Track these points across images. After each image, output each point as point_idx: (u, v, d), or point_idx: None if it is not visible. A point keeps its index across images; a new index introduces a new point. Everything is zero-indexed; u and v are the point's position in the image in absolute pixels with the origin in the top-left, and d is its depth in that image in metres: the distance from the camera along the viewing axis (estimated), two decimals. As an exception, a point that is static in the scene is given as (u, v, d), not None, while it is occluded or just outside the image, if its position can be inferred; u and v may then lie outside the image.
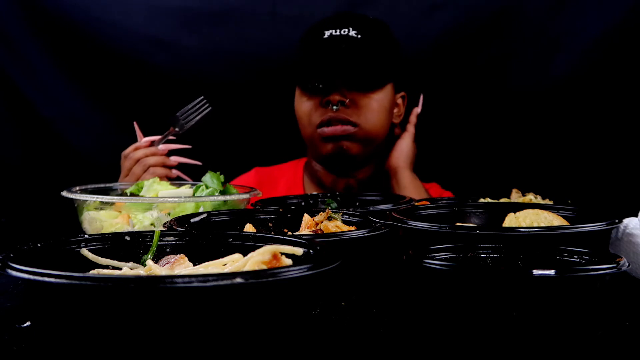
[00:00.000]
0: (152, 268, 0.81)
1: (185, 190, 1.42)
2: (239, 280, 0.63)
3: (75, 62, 2.09)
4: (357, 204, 1.50)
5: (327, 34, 1.75)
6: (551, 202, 1.37)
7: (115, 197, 1.31)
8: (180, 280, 0.62)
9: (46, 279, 0.64)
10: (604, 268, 0.82)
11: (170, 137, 1.70)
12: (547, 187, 1.60)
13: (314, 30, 1.80)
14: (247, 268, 0.74)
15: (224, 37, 2.11)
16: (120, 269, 0.84)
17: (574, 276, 0.80)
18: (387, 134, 1.86)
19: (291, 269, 0.67)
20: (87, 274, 0.70)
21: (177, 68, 2.11)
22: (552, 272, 0.79)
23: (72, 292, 0.65)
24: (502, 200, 1.44)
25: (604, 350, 0.73)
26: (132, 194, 1.43)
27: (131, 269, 0.85)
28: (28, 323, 0.77)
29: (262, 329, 0.68)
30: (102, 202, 1.29)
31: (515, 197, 1.46)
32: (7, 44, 2.04)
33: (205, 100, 1.71)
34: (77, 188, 1.40)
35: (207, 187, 1.41)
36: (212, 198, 1.33)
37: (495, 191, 1.48)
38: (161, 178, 1.57)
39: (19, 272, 0.66)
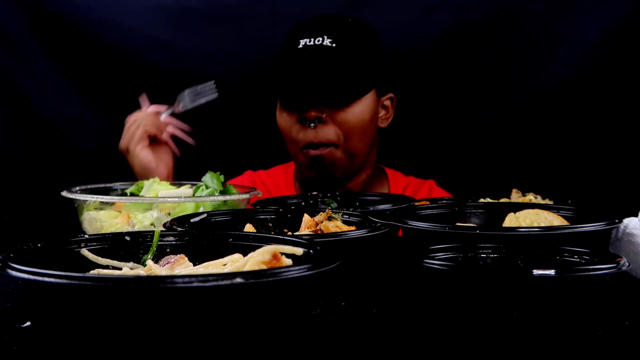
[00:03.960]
0: (152, 268, 0.81)
1: (185, 190, 1.42)
2: (239, 280, 0.63)
3: (75, 63, 2.09)
4: (357, 204, 1.49)
5: (302, 43, 1.70)
6: (551, 202, 1.37)
7: (115, 197, 1.31)
8: (180, 280, 0.62)
9: (46, 279, 0.64)
10: (604, 268, 0.82)
11: (176, 111, 1.77)
12: (547, 187, 1.59)
13: (290, 38, 1.75)
14: (247, 268, 0.74)
15: (224, 37, 2.11)
16: (120, 269, 0.84)
17: (574, 276, 0.80)
18: (373, 140, 1.82)
19: (291, 269, 0.67)
20: (87, 274, 0.70)
21: (177, 68, 2.11)
22: (552, 272, 0.79)
23: (72, 292, 0.65)
24: (502, 200, 1.44)
25: (604, 350, 0.73)
26: (132, 194, 1.43)
27: (131, 269, 0.85)
28: (28, 323, 0.77)
29: (262, 329, 0.68)
30: (102, 202, 1.29)
31: (515, 197, 1.46)
32: (8, 44, 2.04)
33: (215, 86, 1.75)
34: (77, 188, 1.40)
35: (207, 187, 1.41)
36: (212, 198, 1.33)
37: (495, 191, 1.48)
38: (150, 138, 1.72)
39: (19, 272, 0.67)
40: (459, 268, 0.87)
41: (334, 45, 1.68)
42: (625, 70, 2.04)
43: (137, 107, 2.12)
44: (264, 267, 0.73)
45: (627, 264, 0.84)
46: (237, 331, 0.66)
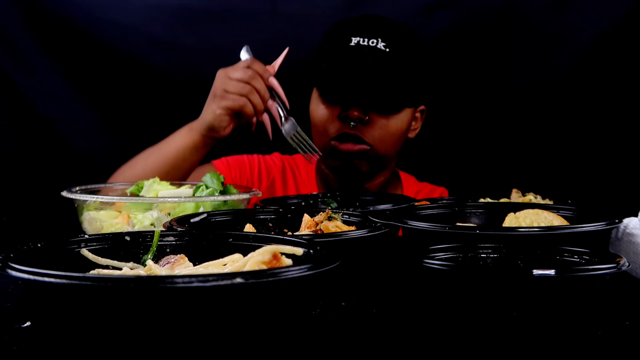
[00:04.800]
0: (152, 268, 0.81)
1: (185, 190, 1.42)
2: (239, 280, 0.63)
3: (74, 62, 2.09)
4: (357, 204, 1.49)
5: (354, 41, 1.68)
6: (551, 202, 1.37)
7: (115, 197, 1.31)
8: (180, 280, 0.62)
9: (46, 279, 0.64)
10: (604, 268, 0.82)
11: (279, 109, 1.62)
12: (547, 187, 1.59)
13: (340, 33, 1.73)
14: (247, 268, 0.74)
15: (224, 37, 2.11)
16: (120, 269, 0.84)
17: (574, 276, 0.80)
18: (398, 152, 1.83)
19: (291, 269, 0.67)
20: (87, 274, 0.70)
21: (177, 68, 2.11)
22: (552, 272, 0.79)
23: (72, 292, 0.65)
24: (502, 200, 1.44)
25: (604, 350, 0.73)
26: (132, 194, 1.43)
27: (131, 269, 0.85)
28: (28, 323, 0.77)
29: (262, 329, 0.68)
30: (102, 202, 1.29)
31: (515, 197, 1.46)
32: (7, 44, 2.04)
33: (317, 155, 1.64)
34: (77, 188, 1.40)
35: (207, 187, 1.41)
36: (212, 198, 1.33)
37: (495, 191, 1.48)
38: (243, 115, 1.57)
39: (19, 272, 0.67)
40: (459, 268, 0.87)
41: (387, 50, 1.67)
42: (625, 69, 2.04)
43: (135, 106, 2.13)
44: (264, 267, 0.73)
45: (627, 264, 0.84)
46: (237, 331, 0.66)
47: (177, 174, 1.65)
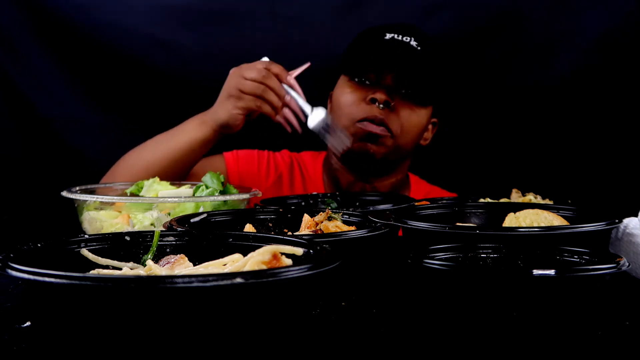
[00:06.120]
0: (152, 268, 0.81)
1: (185, 190, 1.42)
2: (239, 280, 0.63)
3: (75, 62, 2.09)
4: (357, 204, 1.50)
5: (388, 36, 1.75)
6: (551, 202, 1.37)
7: (115, 197, 1.31)
8: (180, 280, 0.62)
9: (46, 279, 0.64)
10: (604, 268, 0.82)
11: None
12: (547, 187, 1.59)
13: (374, 30, 1.80)
14: (247, 268, 0.74)
15: (224, 37, 2.11)
16: (120, 269, 0.84)
17: (574, 276, 0.80)
18: (414, 149, 1.85)
19: (291, 269, 0.67)
20: (87, 274, 0.70)
21: (177, 68, 2.11)
22: (552, 272, 0.79)
23: (72, 292, 0.65)
24: (502, 200, 1.44)
25: (604, 350, 0.73)
26: (132, 194, 1.43)
27: (131, 269, 0.85)
28: (28, 323, 0.77)
29: (262, 329, 0.68)
30: (102, 202, 1.29)
31: (515, 197, 1.46)
32: (8, 44, 2.04)
33: (346, 139, 1.67)
34: (77, 188, 1.40)
35: (207, 187, 1.41)
36: (212, 198, 1.33)
37: (495, 191, 1.48)
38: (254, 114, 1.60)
39: (19, 272, 0.67)
40: (459, 268, 0.87)
41: (419, 48, 1.75)
42: (625, 70, 2.04)
43: (136, 106, 2.13)
44: (264, 267, 0.73)
45: (627, 264, 0.84)
46: (237, 331, 0.66)
47: (185, 165, 1.69)
